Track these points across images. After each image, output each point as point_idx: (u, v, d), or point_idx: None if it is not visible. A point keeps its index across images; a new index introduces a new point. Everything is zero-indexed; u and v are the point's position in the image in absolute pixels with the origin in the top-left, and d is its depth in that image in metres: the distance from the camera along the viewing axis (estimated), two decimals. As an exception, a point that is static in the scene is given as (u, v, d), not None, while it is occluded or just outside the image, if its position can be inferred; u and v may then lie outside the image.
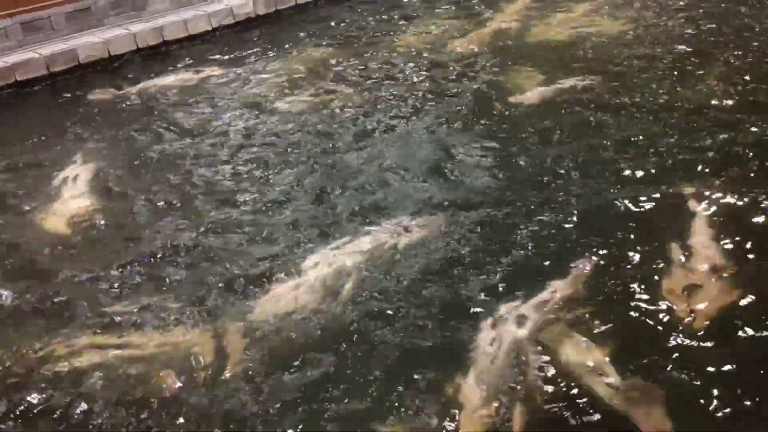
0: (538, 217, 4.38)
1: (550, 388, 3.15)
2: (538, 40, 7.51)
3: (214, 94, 6.89)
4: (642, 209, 4.38)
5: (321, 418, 3.09)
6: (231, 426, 3.09)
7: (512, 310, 3.58)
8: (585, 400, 3.09)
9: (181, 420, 3.15)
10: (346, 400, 3.16)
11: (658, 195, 4.49)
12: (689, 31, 7.26)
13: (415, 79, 6.73)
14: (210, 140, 5.91)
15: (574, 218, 4.34)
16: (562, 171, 4.91)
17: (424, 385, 3.22)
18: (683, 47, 6.84)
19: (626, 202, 4.45)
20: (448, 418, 3.04)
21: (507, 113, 5.86)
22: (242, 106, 6.54)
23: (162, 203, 4.98)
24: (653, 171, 4.78)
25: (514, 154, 5.22)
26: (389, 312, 3.67)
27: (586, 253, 3.99)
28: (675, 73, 6.30)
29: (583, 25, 7.72)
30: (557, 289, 3.72)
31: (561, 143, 5.30)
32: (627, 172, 4.79)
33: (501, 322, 3.50)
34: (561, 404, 3.08)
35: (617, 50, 6.94)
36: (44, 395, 3.36)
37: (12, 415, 3.26)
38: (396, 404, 3.12)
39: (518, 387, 3.17)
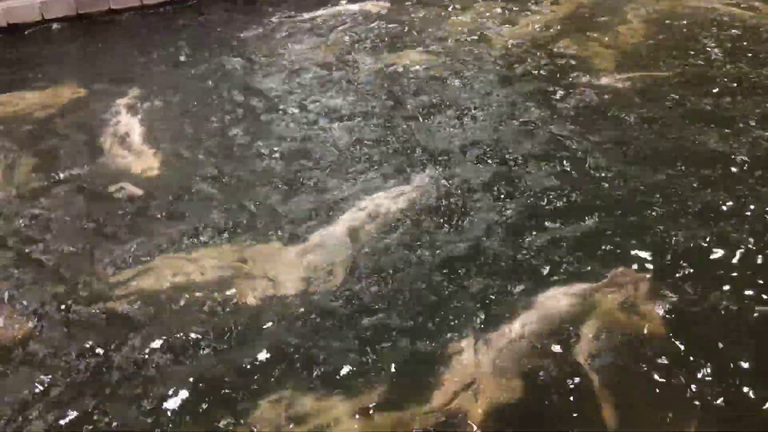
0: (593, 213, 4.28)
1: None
2: (624, 24, 7.23)
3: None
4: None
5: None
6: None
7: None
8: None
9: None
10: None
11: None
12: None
13: (489, 57, 6.52)
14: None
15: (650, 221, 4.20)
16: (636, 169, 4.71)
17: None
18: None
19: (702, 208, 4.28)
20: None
21: (580, 97, 5.67)
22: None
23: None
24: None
25: (587, 140, 5.04)
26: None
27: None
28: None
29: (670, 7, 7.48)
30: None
31: (634, 135, 5.10)
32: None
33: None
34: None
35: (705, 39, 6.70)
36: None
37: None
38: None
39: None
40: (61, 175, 4.84)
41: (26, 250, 4.11)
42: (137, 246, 4.11)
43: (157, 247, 4.09)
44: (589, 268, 3.81)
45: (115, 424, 3.05)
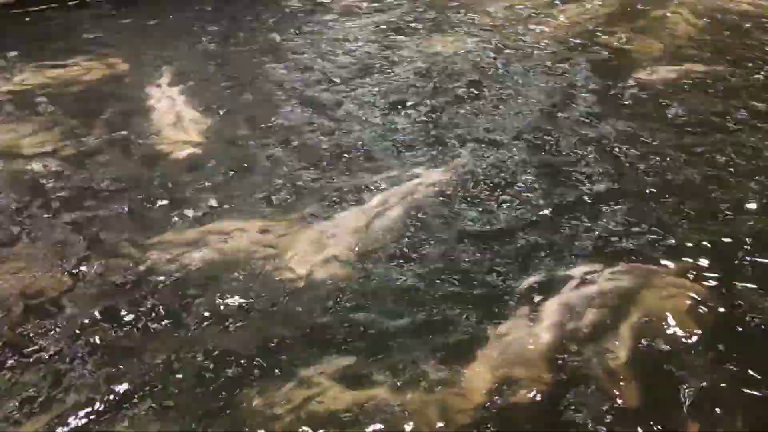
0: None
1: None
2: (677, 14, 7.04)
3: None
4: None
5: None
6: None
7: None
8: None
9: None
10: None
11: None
12: None
13: (538, 42, 6.40)
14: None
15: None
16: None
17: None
18: None
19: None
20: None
21: (631, 91, 5.48)
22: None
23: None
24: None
25: (634, 136, 4.83)
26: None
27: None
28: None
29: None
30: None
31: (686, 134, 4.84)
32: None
33: None
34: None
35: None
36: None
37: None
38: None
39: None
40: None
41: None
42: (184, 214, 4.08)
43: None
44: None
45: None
